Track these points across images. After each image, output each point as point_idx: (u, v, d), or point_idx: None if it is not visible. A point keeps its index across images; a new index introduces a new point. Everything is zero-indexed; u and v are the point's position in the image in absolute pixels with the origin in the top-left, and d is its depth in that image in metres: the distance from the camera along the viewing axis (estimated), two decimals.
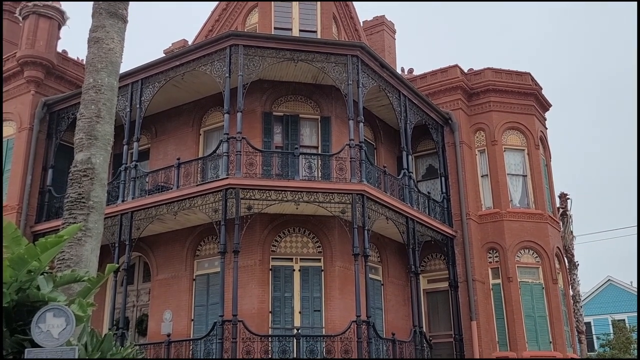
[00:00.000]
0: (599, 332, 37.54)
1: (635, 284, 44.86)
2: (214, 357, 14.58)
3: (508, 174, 21.40)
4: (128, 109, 17.92)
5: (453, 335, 19.16)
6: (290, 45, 16.73)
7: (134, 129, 17.52)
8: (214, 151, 16.46)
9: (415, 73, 23.06)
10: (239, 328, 14.66)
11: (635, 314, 41.59)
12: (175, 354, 15.43)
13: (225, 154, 15.72)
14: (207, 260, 17.45)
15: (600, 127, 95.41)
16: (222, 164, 15.75)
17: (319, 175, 16.54)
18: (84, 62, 16.66)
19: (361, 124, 16.77)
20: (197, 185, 16.00)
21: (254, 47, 16.46)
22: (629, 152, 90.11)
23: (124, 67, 17.68)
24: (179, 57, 17.36)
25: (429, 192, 20.20)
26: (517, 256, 20.40)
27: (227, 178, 15.34)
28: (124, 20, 8.68)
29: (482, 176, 21.46)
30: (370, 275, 16.86)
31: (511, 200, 21.15)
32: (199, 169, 16.78)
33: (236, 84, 16.11)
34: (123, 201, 17.05)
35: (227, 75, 16.18)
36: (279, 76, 18.06)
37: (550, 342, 19.77)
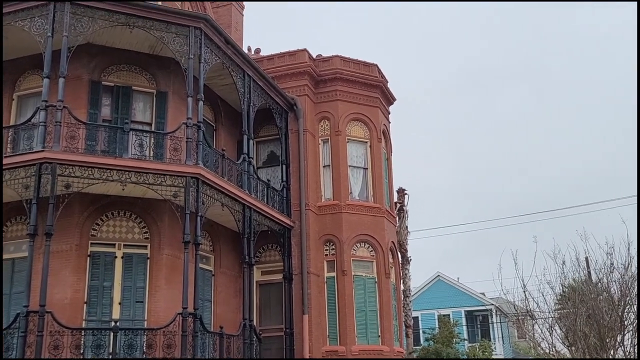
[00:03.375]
0: (425, 327, 39.26)
1: (461, 280, 47.89)
2: (14, 352, 12.93)
3: (349, 166, 21.27)
4: None
5: (284, 329, 18.68)
6: (125, 9, 15.13)
7: None
8: (29, 119, 14.57)
9: (263, 54, 22.22)
10: (46, 320, 13.13)
11: (460, 309, 44.33)
12: None
13: (42, 123, 13.92)
14: (13, 243, 15.37)
15: (437, 129, 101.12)
16: (38, 134, 13.93)
17: (151, 155, 15.30)
18: None
19: (201, 103, 15.76)
20: (6, 157, 14.01)
21: (83, 7, 14.69)
22: (466, 153, 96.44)
23: None
24: None
25: (268, 180, 19.61)
26: (353, 249, 20.33)
27: (42, 151, 13.63)
28: None
29: (324, 166, 21.13)
30: (201, 265, 15.98)
31: (351, 193, 21.05)
32: (9, 139, 14.73)
33: (60, 45, 14.30)
34: None
35: (50, 34, 14.31)
36: (112, 42, 16.35)
37: (379, 336, 19.93)
